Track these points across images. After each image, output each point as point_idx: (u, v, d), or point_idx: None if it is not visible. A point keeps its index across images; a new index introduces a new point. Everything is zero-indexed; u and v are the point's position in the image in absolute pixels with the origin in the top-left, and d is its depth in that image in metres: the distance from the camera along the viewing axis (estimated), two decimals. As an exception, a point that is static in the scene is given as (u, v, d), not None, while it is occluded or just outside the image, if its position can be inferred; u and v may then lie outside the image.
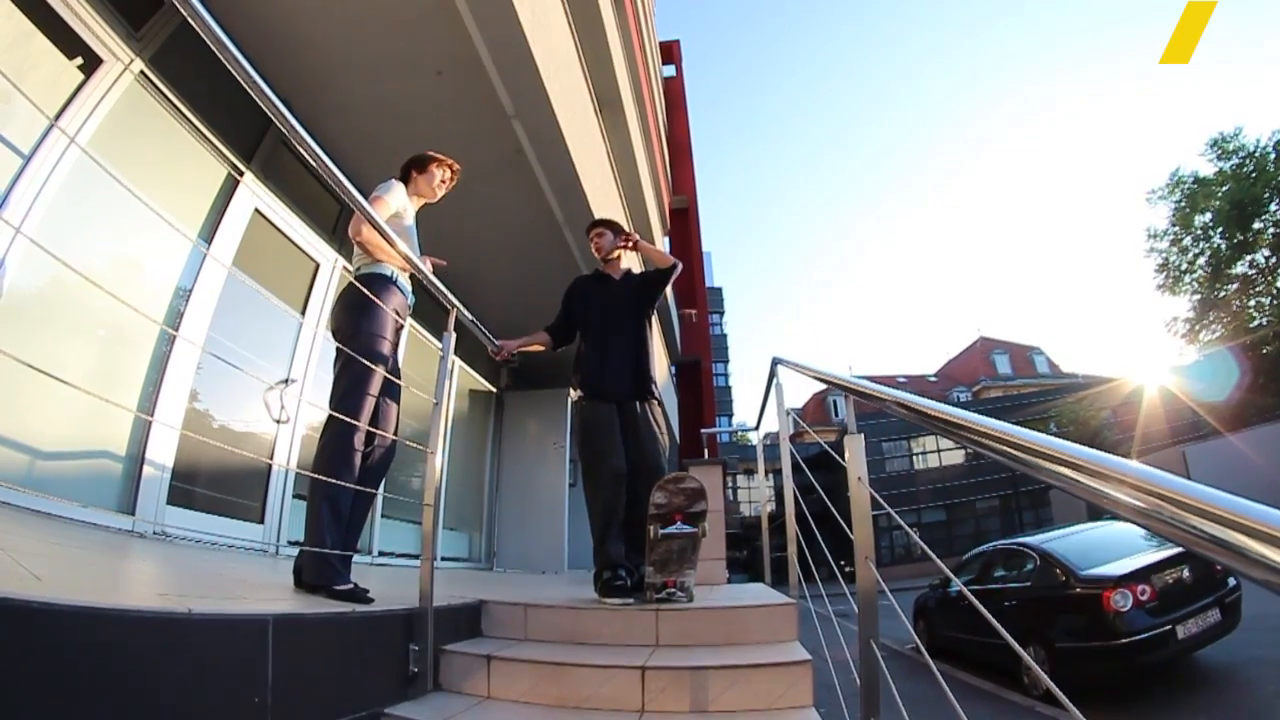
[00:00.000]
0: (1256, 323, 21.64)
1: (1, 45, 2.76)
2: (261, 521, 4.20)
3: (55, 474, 3.01)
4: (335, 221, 5.11)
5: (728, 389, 44.25)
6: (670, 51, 20.51)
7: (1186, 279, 23.65)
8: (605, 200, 6.38)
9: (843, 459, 2.09)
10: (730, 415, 43.55)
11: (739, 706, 2.16)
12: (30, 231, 2.75)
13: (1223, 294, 22.64)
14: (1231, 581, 5.93)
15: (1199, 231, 23.09)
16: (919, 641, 2.12)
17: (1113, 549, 6.35)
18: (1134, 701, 5.33)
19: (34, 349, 2.90)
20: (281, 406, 4.38)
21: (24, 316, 2.87)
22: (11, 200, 2.75)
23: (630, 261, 4.01)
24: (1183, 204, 23.31)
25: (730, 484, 37.66)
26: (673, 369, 14.79)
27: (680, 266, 3.70)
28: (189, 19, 1.59)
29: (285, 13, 3.76)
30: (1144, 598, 5.52)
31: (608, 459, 3.34)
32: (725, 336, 44.94)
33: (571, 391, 3.59)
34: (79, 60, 3.12)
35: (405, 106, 4.50)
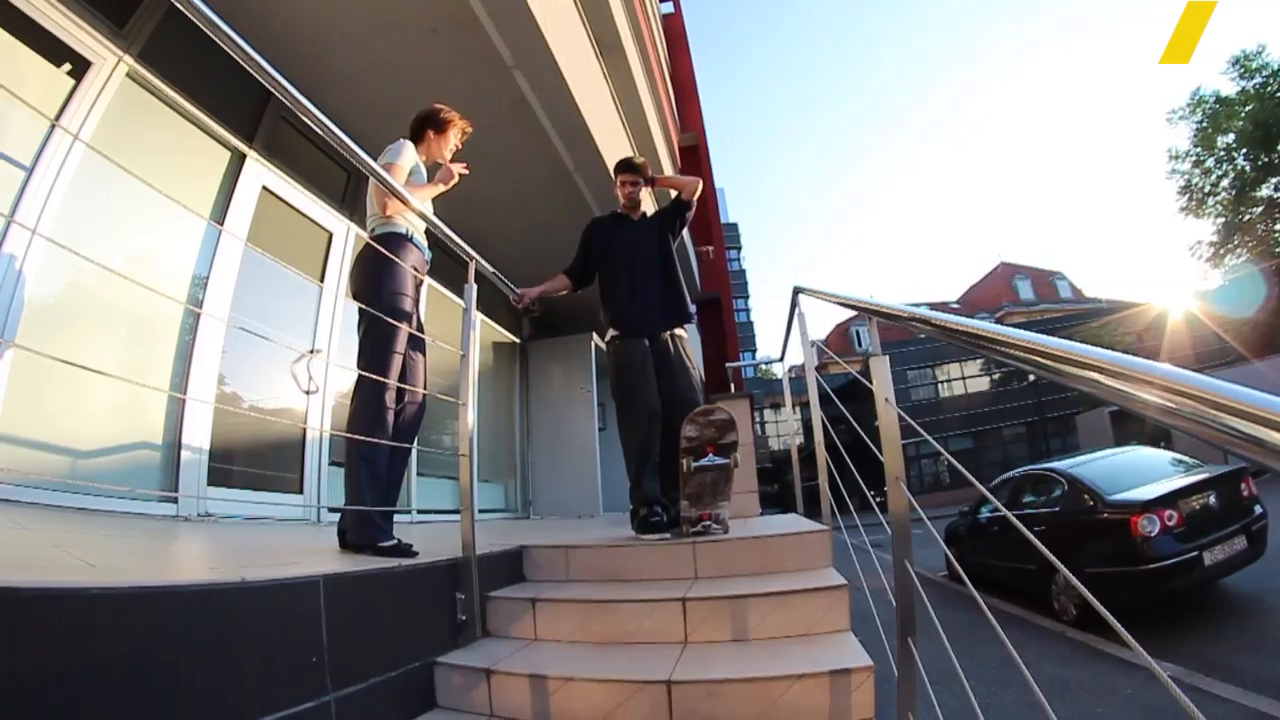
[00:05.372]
0: (1282, 246, 21.05)
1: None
2: (300, 492, 4.31)
3: (96, 470, 3.09)
4: (344, 190, 5.10)
5: (749, 324, 44.12)
6: (666, -12, 19.92)
7: (1210, 201, 22.95)
8: (613, 143, 6.27)
9: (869, 383, 2.09)
10: (753, 351, 43.46)
11: (779, 633, 2.21)
12: (43, 239, 2.77)
13: (1247, 217, 21.94)
14: (1258, 509, 5.89)
15: (1222, 152, 22.32)
16: (956, 564, 2.12)
17: (1140, 474, 6.31)
18: (1161, 627, 5.34)
19: (60, 351, 2.91)
20: (310, 377, 4.44)
21: (47, 322, 2.91)
22: (21, 209, 2.76)
23: (646, 204, 3.98)
24: (1204, 124, 22.47)
25: (757, 418, 37.79)
26: (694, 307, 14.72)
27: (701, 184, 3.71)
28: (175, 2, 1.57)
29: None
30: (1171, 523, 5.47)
31: (642, 396, 3.36)
32: (744, 272, 44.63)
33: (600, 336, 3.60)
34: (67, 66, 3.09)
35: (403, 68, 4.43)
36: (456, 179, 3.02)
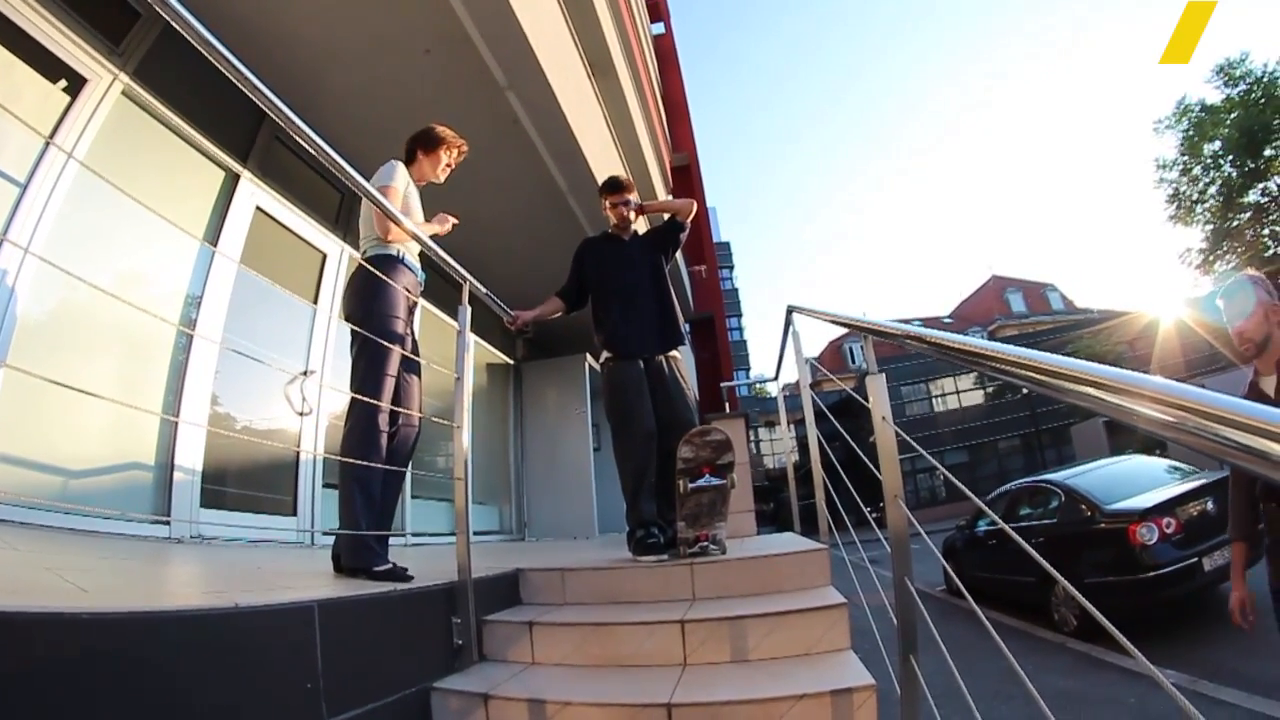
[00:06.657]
0: (1271, 252, 21.03)
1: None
2: (294, 514, 4.27)
3: (87, 490, 3.04)
4: (337, 210, 5.10)
5: (743, 343, 44.16)
6: (657, 9, 20.07)
7: (1198, 209, 22.97)
8: (606, 164, 6.31)
9: (865, 401, 2.09)
10: (747, 369, 43.49)
11: (779, 653, 2.19)
12: (35, 257, 2.76)
13: (1236, 223, 22.03)
14: None
15: (1209, 160, 22.36)
16: (956, 579, 2.11)
17: (1137, 482, 6.30)
18: (1162, 635, 5.33)
19: (52, 372, 2.90)
20: (303, 399, 4.42)
21: (40, 341, 2.88)
22: (14, 227, 2.74)
23: (639, 223, 3.98)
24: (1191, 133, 22.53)
25: (752, 437, 37.75)
26: (687, 326, 14.75)
27: (695, 206, 3.71)
28: (171, 21, 1.58)
29: (262, 8, 3.71)
30: (1169, 530, 5.48)
31: (638, 418, 3.34)
32: (736, 291, 44.74)
33: (594, 357, 3.59)
34: (63, 83, 3.09)
35: (397, 88, 4.45)
36: (449, 228, 3.04)
